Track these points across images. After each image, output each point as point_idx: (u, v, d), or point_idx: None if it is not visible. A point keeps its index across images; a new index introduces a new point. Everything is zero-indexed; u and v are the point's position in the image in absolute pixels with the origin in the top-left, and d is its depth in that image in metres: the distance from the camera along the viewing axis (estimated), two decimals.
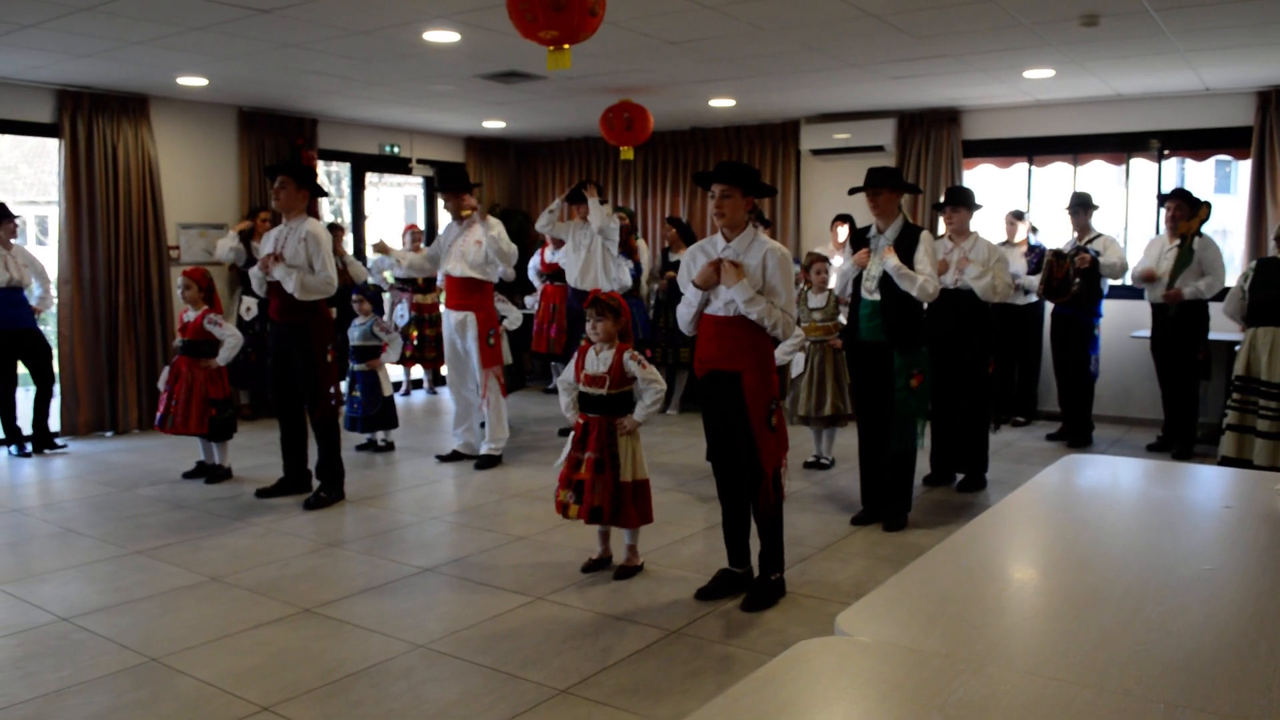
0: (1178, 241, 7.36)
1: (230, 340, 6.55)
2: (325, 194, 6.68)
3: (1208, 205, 7.35)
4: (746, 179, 4.31)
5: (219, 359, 6.55)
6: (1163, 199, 7.75)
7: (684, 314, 4.49)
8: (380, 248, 7.59)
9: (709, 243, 4.46)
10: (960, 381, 6.23)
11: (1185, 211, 7.35)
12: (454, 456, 7.36)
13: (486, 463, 7.18)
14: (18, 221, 7.56)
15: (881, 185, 5.41)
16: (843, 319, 6.48)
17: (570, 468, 4.72)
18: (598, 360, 4.72)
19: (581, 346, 4.85)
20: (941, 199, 6.68)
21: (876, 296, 5.41)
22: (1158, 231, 8.78)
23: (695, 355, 4.52)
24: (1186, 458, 7.22)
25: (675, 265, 9.14)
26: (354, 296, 7.64)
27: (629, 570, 4.84)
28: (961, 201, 6.32)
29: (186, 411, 6.50)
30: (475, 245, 7.03)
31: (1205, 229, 7.36)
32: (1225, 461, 6.16)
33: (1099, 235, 7.76)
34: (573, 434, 4.78)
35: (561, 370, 5.14)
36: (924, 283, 5.25)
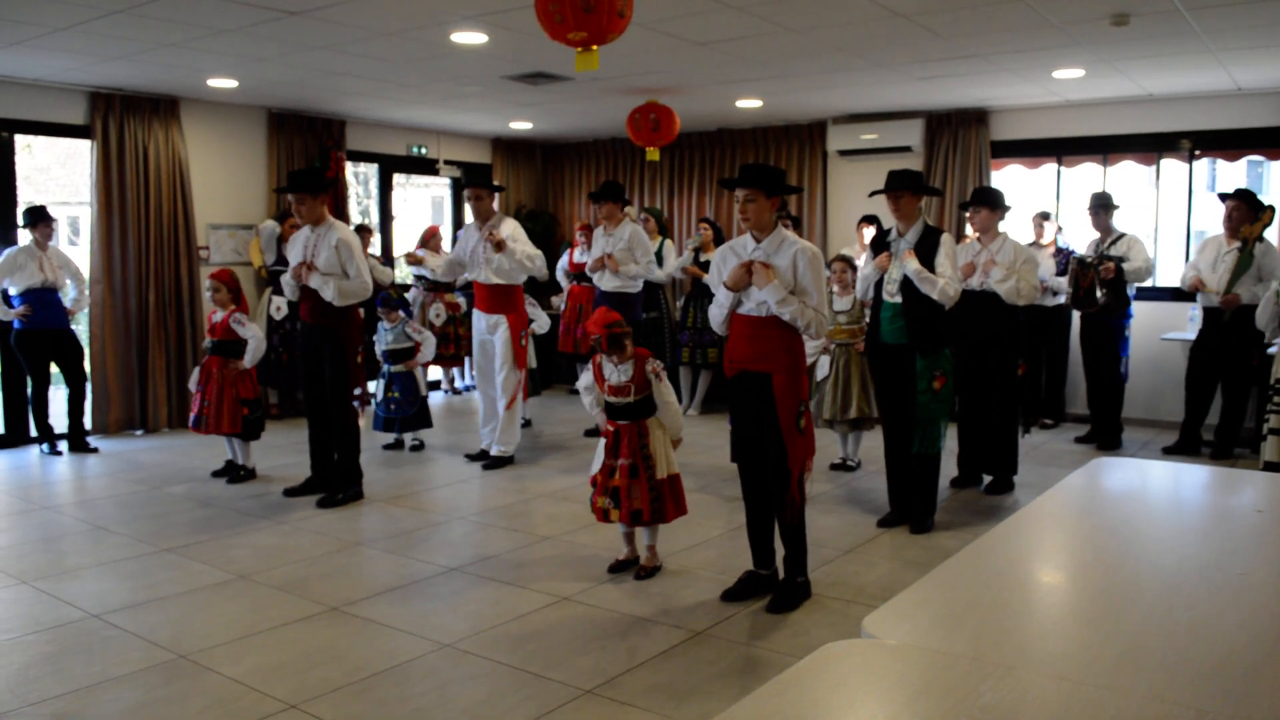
0: (1237, 245, 7.16)
1: (253, 342, 6.59)
2: (333, 185, 6.65)
3: (1272, 209, 7.13)
4: (768, 180, 4.30)
5: (245, 361, 6.59)
6: (1223, 197, 7.43)
7: (715, 315, 4.49)
8: (412, 259, 7.58)
9: (739, 244, 4.45)
10: (990, 384, 6.19)
11: (1246, 214, 7.13)
12: (482, 455, 7.38)
13: (496, 463, 7.19)
14: (55, 223, 7.66)
15: (902, 188, 5.38)
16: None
17: (605, 475, 4.75)
18: (618, 371, 4.70)
19: (594, 359, 4.82)
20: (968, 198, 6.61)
21: (898, 299, 5.39)
22: (1188, 232, 8.71)
23: (725, 355, 4.51)
24: (1225, 459, 7.15)
25: (706, 266, 9.13)
26: (380, 310, 7.63)
27: (649, 570, 4.85)
28: (984, 201, 6.18)
29: (219, 412, 6.56)
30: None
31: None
32: (1269, 467, 6.05)
33: (1122, 235, 7.68)
34: (604, 441, 4.80)
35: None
36: (944, 286, 5.22)
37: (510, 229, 7.06)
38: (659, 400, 4.71)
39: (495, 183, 7.28)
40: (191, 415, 6.73)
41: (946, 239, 5.36)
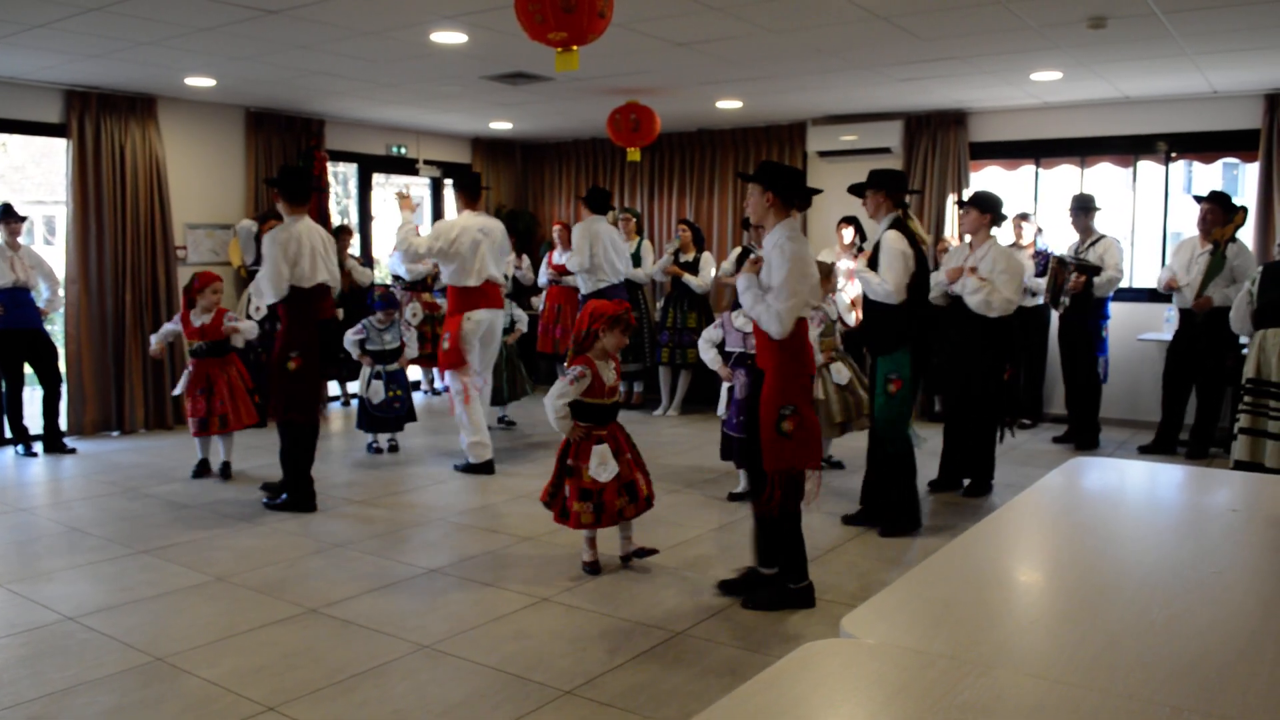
0: (1210, 247, 7.21)
1: (249, 326, 6.76)
2: (322, 189, 6.65)
3: (1244, 210, 7.20)
4: (767, 175, 4.33)
5: (246, 336, 6.76)
6: (1198, 199, 7.48)
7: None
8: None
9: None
10: (979, 388, 6.13)
11: (1219, 216, 7.18)
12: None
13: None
14: (25, 221, 7.57)
15: (871, 187, 5.49)
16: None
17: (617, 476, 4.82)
18: (608, 370, 4.81)
19: (580, 370, 4.74)
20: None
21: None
22: (1164, 233, 8.78)
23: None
24: (1201, 458, 7.21)
25: (686, 266, 9.14)
26: (379, 311, 7.57)
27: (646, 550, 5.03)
28: (973, 203, 6.15)
29: (237, 407, 6.64)
30: None
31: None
32: (1239, 466, 6.11)
33: (1101, 237, 7.72)
34: (605, 447, 4.76)
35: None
36: (876, 285, 5.35)
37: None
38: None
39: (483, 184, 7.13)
40: (197, 420, 6.65)
41: (888, 237, 5.37)
